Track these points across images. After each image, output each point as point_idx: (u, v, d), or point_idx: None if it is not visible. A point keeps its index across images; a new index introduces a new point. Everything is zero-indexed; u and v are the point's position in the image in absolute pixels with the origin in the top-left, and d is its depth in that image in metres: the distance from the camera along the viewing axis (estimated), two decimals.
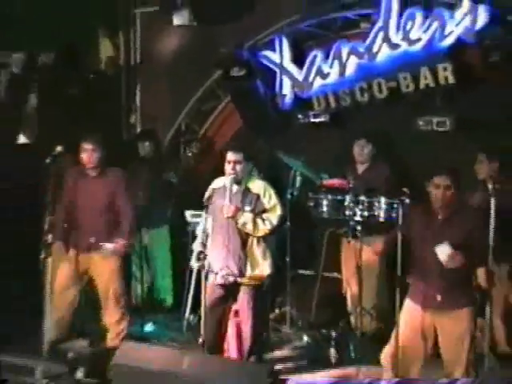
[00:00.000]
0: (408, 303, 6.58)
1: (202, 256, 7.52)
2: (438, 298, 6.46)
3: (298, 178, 8.45)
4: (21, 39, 8.65)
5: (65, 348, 7.66)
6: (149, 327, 8.64)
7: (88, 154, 7.71)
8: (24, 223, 7.98)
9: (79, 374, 6.97)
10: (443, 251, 6.19)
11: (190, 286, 8.33)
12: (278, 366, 7.41)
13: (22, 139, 8.95)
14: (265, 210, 7.23)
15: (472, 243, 6.30)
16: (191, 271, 8.25)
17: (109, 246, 7.76)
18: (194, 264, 7.30)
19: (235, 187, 7.30)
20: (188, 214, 8.74)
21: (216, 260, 7.35)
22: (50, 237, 7.71)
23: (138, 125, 10.74)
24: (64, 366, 7.13)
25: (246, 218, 7.18)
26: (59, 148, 7.59)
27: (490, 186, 6.31)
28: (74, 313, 7.92)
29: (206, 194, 7.47)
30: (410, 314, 6.55)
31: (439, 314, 6.50)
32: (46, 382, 7.11)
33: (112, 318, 7.92)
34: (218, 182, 7.42)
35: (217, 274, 7.37)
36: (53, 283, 7.77)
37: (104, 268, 7.82)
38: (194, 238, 8.18)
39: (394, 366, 6.46)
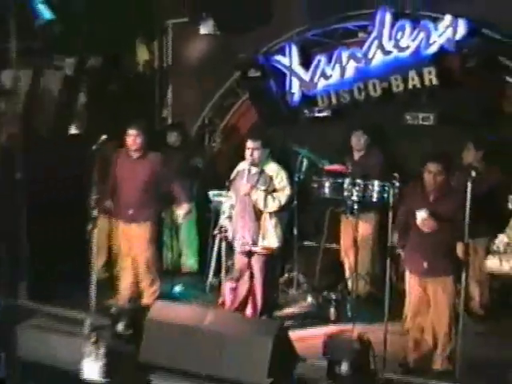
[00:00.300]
0: (406, 271, 6.74)
1: (222, 229, 7.62)
2: (425, 265, 6.54)
3: (305, 164, 8.47)
4: (73, 46, 8.69)
5: (108, 304, 7.73)
6: (177, 288, 8.67)
7: (132, 138, 7.81)
8: (74, 200, 7.98)
9: (120, 327, 7.02)
10: (421, 215, 6.35)
11: (213, 254, 8.49)
12: (287, 322, 7.46)
13: (73, 130, 9.00)
14: (275, 190, 7.32)
15: (456, 221, 6.38)
16: (214, 241, 8.39)
17: (180, 212, 7.95)
18: (217, 235, 7.42)
19: (253, 169, 7.40)
20: (211, 193, 8.77)
21: (237, 231, 7.44)
22: (95, 211, 7.79)
23: (169, 118, 10.76)
24: (107, 319, 7.20)
25: (258, 195, 7.31)
26: (104, 137, 7.66)
27: (472, 173, 6.34)
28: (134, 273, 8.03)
29: (232, 175, 7.60)
30: (409, 280, 6.71)
31: (426, 279, 6.58)
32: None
33: (146, 281, 8.01)
34: (241, 166, 7.54)
35: (236, 243, 7.46)
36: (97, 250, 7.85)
37: (139, 237, 7.89)
38: (216, 213, 8.29)
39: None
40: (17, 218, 7.96)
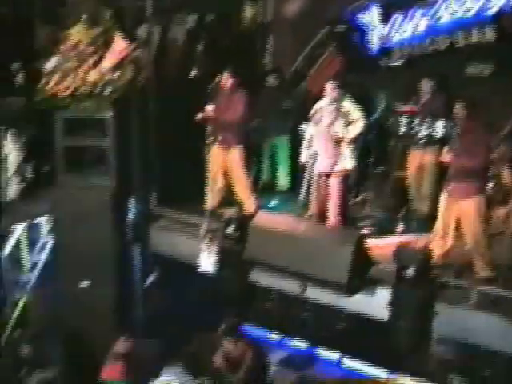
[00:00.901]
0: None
1: (311, 153, 7.59)
2: (450, 186, 6.45)
3: (382, 105, 8.32)
4: (194, 5, 8.68)
5: (221, 212, 7.83)
6: (273, 203, 8.67)
7: (225, 80, 7.83)
8: (194, 128, 8.03)
9: (230, 229, 7.12)
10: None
11: (304, 175, 8.43)
12: (363, 233, 7.40)
13: (193, 73, 8.99)
14: (351, 123, 7.33)
15: (480, 150, 6.38)
16: (305, 165, 8.31)
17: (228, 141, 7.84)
18: (308, 160, 7.44)
19: (333, 106, 7.37)
20: (302, 126, 8.65)
21: (319, 156, 7.43)
22: (210, 139, 7.87)
23: (270, 63, 10.60)
24: (219, 223, 7.32)
25: (337, 127, 7.31)
26: (218, 78, 7.68)
27: None
28: (225, 189, 8.07)
29: (312, 111, 7.54)
30: (443, 199, 6.66)
31: (457, 201, 6.53)
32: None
33: (243, 195, 8.04)
34: (320, 103, 7.51)
35: (318, 166, 7.43)
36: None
37: (233, 160, 7.89)
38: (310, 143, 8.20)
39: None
40: (150, 142, 8.10)
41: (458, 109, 6.52)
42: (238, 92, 7.86)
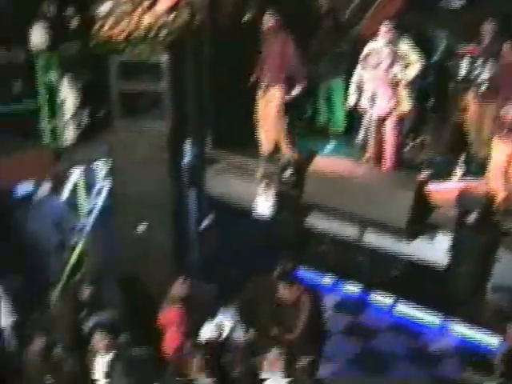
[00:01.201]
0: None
1: (369, 96, 7.39)
2: (504, 132, 6.40)
3: (442, 46, 8.03)
4: None
5: (277, 156, 7.72)
6: (329, 146, 8.42)
7: (268, 21, 7.73)
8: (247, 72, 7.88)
9: (287, 173, 7.06)
10: None
11: (360, 119, 8.24)
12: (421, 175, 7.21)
13: (246, 18, 8.72)
14: (408, 65, 7.20)
15: None
16: (356, 108, 8.10)
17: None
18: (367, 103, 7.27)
19: (388, 48, 7.19)
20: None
21: (376, 98, 7.31)
22: (266, 79, 7.70)
23: (325, 5, 10.24)
24: (276, 168, 7.25)
25: (395, 69, 7.17)
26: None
27: None
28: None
29: (364, 53, 7.37)
30: (496, 143, 6.60)
31: (509, 145, 6.43)
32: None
33: (279, 137, 7.89)
34: (373, 44, 7.36)
35: (376, 109, 7.28)
36: None
37: (274, 102, 7.80)
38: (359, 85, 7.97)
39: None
40: (205, 86, 8.01)
41: (507, 49, 6.19)
42: (283, 34, 7.71)
